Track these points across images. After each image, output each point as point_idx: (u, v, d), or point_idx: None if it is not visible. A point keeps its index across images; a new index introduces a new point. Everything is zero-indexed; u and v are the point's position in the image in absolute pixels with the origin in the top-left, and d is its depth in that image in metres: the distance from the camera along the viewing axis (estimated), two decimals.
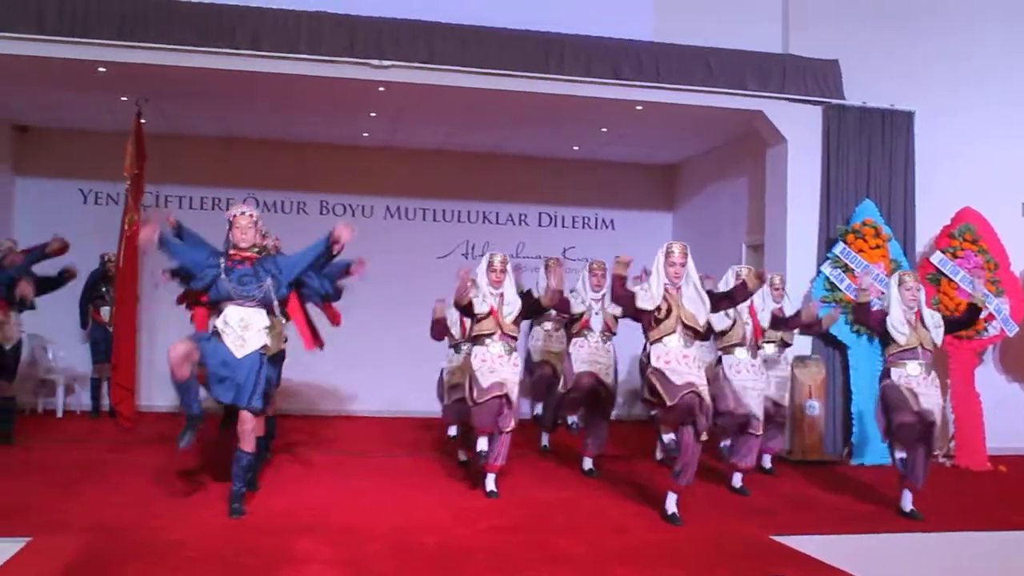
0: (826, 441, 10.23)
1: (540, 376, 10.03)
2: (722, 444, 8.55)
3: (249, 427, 6.67)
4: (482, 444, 7.63)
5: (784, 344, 9.19)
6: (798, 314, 8.71)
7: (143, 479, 7.85)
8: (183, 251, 6.80)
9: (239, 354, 6.57)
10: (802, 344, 10.19)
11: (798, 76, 10.57)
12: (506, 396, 7.53)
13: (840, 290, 10.03)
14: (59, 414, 11.93)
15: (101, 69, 9.64)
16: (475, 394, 7.55)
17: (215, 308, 6.76)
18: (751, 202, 11.78)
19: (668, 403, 6.69)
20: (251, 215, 6.77)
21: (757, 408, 8.15)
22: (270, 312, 6.81)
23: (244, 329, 6.61)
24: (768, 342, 8.93)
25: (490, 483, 7.68)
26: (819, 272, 10.37)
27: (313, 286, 7.18)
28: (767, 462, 9.19)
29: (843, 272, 10.08)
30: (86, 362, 12.26)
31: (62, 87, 10.63)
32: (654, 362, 6.83)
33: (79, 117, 12.04)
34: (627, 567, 5.66)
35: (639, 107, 10.59)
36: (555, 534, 6.43)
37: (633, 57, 10.16)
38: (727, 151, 12.47)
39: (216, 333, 6.65)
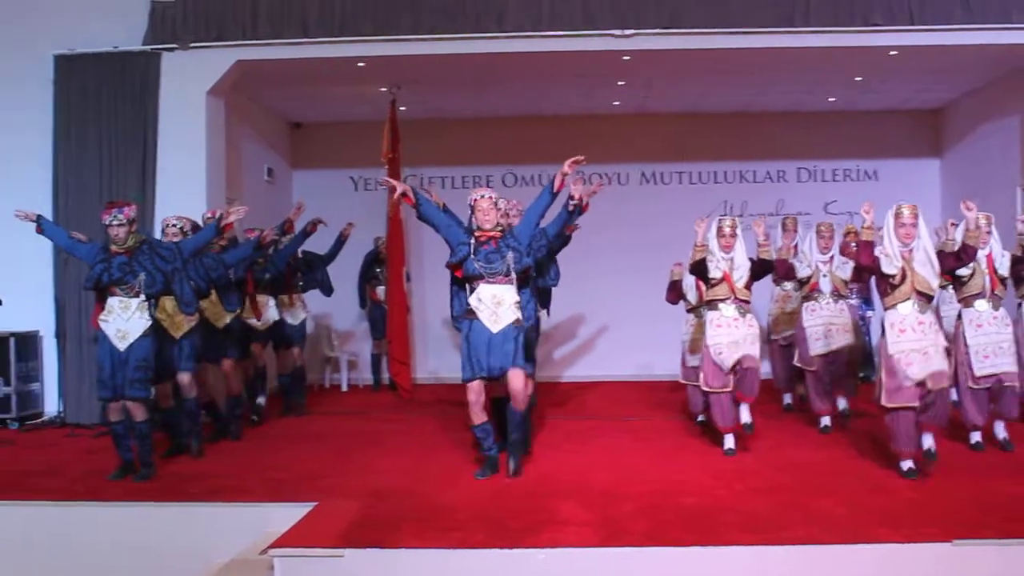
0: None
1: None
2: None
3: (519, 386, 6.96)
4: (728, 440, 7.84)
5: None
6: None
7: (418, 447, 8.38)
8: (432, 208, 7.16)
9: (495, 329, 6.91)
10: None
11: None
12: (748, 361, 7.56)
13: None
14: (343, 388, 12.81)
15: (360, 64, 10.30)
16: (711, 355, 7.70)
17: (468, 285, 7.08)
18: None
19: (885, 405, 6.70)
20: (490, 197, 7.06)
21: (1007, 361, 7.66)
22: (521, 287, 7.12)
23: (497, 305, 6.93)
24: None
25: (745, 414, 7.74)
26: None
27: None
28: None
29: None
30: (367, 339, 13.08)
31: (327, 84, 11.43)
32: (887, 331, 6.69)
33: (344, 110, 12.86)
34: (888, 527, 5.53)
35: (893, 52, 10.17)
36: (814, 495, 6.35)
37: (883, 0, 9.75)
38: (995, 90, 11.74)
39: (470, 311, 6.99)
